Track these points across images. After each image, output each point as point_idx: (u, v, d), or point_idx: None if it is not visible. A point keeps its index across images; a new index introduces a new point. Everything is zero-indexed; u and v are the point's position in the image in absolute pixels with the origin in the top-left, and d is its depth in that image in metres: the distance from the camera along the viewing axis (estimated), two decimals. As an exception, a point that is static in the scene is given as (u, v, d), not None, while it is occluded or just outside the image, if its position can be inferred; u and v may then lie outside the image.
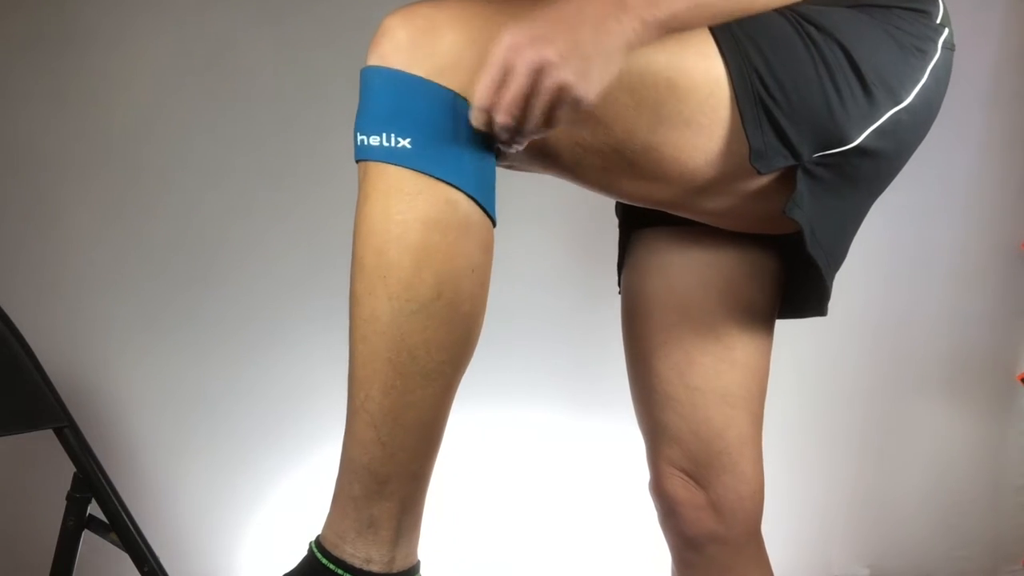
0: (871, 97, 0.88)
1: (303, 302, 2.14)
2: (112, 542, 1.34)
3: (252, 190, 2.14)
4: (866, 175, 0.93)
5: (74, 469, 1.34)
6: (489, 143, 0.79)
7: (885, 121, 0.89)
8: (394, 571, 0.82)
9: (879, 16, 0.90)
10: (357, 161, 0.80)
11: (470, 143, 0.77)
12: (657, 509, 1.15)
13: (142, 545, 1.33)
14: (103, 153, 2.12)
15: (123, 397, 2.09)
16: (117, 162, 2.12)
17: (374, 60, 0.78)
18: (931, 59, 0.93)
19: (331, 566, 0.81)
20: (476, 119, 0.76)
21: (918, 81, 0.92)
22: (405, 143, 0.75)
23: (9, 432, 1.31)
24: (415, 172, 0.76)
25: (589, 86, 0.74)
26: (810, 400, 2.20)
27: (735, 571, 1.09)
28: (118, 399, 2.09)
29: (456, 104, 0.76)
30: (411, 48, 0.76)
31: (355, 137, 0.79)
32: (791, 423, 2.20)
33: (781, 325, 1.12)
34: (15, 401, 1.30)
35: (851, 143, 0.88)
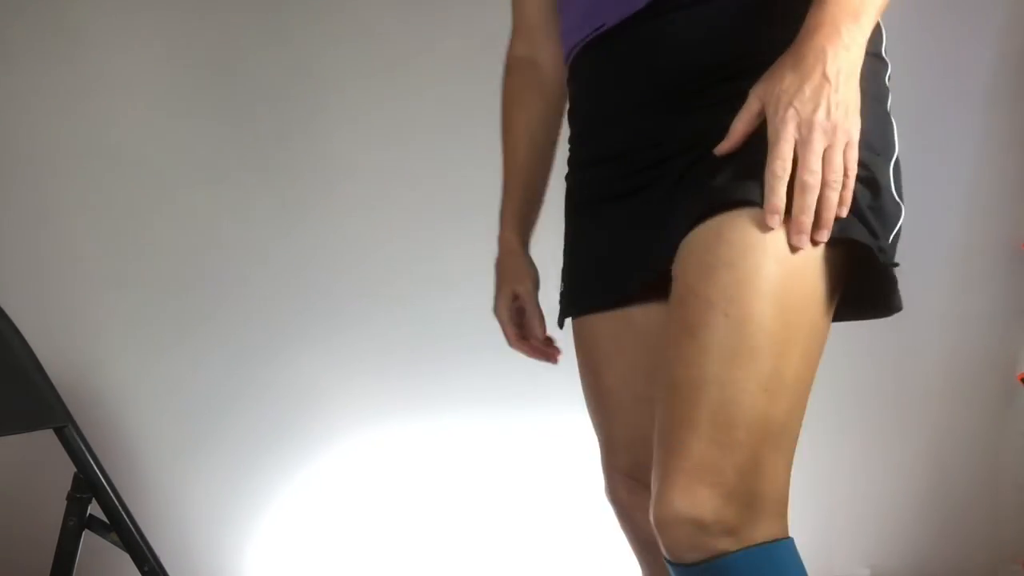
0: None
1: (304, 302, 2.14)
2: (113, 542, 1.34)
3: (254, 192, 2.14)
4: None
5: (74, 469, 1.34)
6: None
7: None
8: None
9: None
10: None
11: None
12: (614, 512, 1.17)
13: (143, 545, 1.33)
14: (104, 154, 2.12)
15: (123, 397, 2.09)
16: (118, 163, 2.12)
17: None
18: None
19: None
20: (773, 212, 0.80)
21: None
22: None
23: (9, 432, 1.31)
24: None
25: (854, 123, 0.82)
26: (809, 400, 2.20)
27: None
28: (118, 399, 2.09)
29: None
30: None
31: None
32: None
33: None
34: (15, 401, 1.30)
35: None
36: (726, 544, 0.77)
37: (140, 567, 1.32)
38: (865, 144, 0.84)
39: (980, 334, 2.25)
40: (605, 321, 1.08)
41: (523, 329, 1.23)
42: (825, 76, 0.80)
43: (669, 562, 0.80)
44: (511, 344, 1.24)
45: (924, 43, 2.19)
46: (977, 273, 2.24)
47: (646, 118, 0.98)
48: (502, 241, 1.27)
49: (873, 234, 0.86)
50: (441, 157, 2.17)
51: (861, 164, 0.84)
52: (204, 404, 2.12)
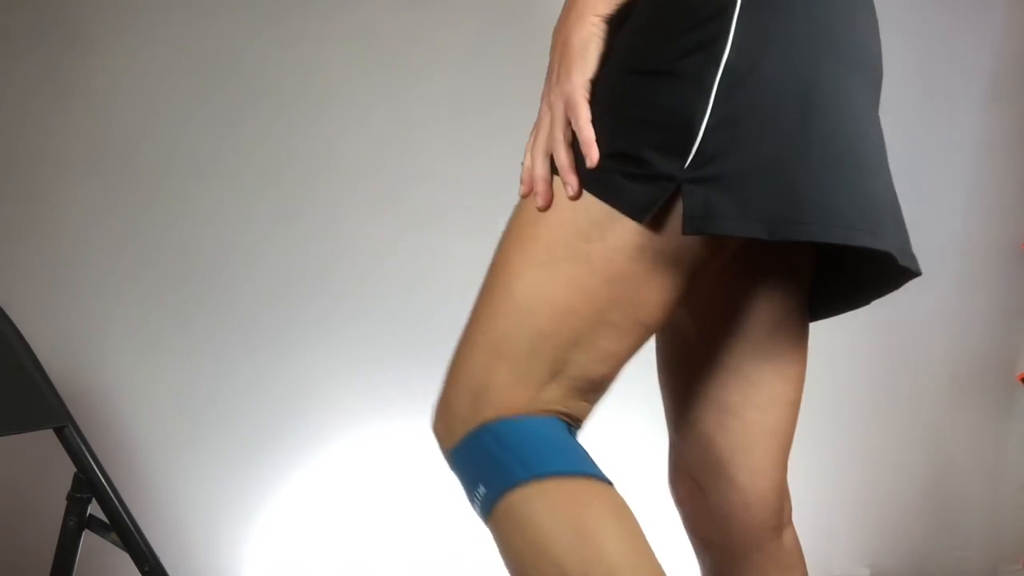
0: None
1: (303, 302, 2.14)
2: (112, 542, 1.34)
3: (252, 191, 2.14)
4: None
5: (74, 469, 1.34)
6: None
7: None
8: None
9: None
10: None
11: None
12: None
13: (142, 545, 1.33)
14: (104, 153, 2.12)
15: (123, 397, 2.09)
16: (118, 162, 2.12)
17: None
18: None
19: None
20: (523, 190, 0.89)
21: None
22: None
23: (9, 432, 1.31)
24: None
25: (571, 83, 0.85)
26: (810, 400, 2.19)
27: None
28: (118, 399, 2.09)
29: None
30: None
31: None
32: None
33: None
34: (15, 401, 1.31)
35: None
36: (445, 443, 0.90)
37: (140, 567, 1.32)
38: (620, 67, 0.85)
39: (980, 334, 2.25)
40: None
41: None
42: (552, 50, 0.88)
43: None
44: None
45: (924, 43, 2.19)
46: (977, 273, 2.24)
47: None
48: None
49: (640, 163, 0.80)
50: (440, 156, 2.17)
51: (606, 104, 0.84)
52: (204, 404, 2.12)
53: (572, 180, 0.83)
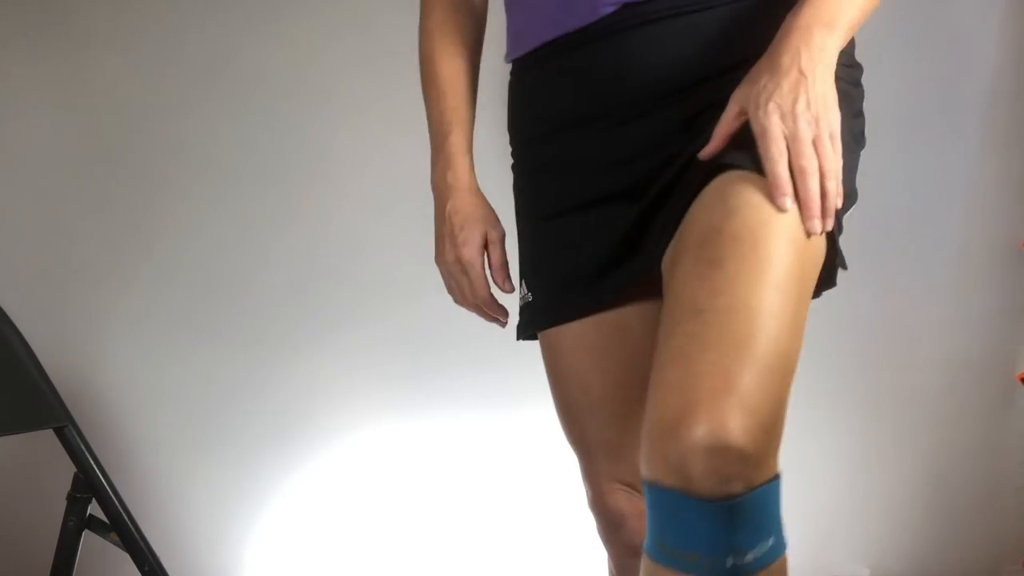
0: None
1: (305, 303, 2.14)
2: (113, 542, 1.34)
3: (254, 192, 2.14)
4: None
5: (74, 469, 1.34)
6: None
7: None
8: None
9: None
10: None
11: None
12: (599, 523, 1.15)
13: (142, 545, 1.33)
14: (103, 153, 2.12)
15: (123, 397, 2.09)
16: (118, 163, 2.12)
17: None
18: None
19: None
20: (783, 194, 0.80)
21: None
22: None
23: (9, 432, 1.32)
24: None
25: (837, 118, 0.83)
26: (809, 400, 2.19)
27: None
28: (118, 399, 2.09)
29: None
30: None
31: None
32: (791, 423, 2.20)
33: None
34: (15, 401, 1.31)
35: None
36: (755, 476, 0.72)
37: (140, 567, 1.33)
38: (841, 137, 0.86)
39: (980, 334, 2.24)
40: (587, 331, 1.07)
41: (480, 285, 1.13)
42: (801, 72, 0.82)
43: (682, 497, 0.73)
44: (475, 298, 1.13)
45: (924, 43, 2.19)
46: (977, 273, 2.24)
47: (617, 125, 0.98)
48: (460, 181, 1.13)
49: (838, 219, 0.89)
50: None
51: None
52: (204, 404, 2.12)
53: (831, 220, 0.83)
